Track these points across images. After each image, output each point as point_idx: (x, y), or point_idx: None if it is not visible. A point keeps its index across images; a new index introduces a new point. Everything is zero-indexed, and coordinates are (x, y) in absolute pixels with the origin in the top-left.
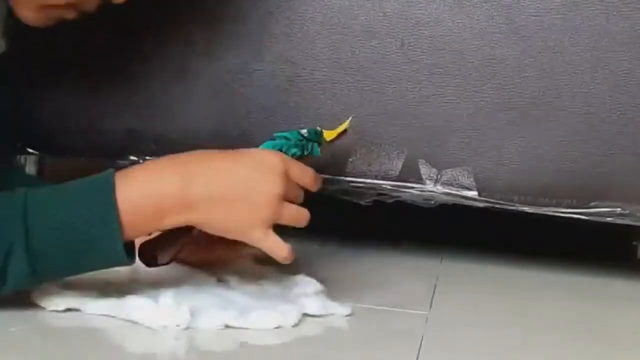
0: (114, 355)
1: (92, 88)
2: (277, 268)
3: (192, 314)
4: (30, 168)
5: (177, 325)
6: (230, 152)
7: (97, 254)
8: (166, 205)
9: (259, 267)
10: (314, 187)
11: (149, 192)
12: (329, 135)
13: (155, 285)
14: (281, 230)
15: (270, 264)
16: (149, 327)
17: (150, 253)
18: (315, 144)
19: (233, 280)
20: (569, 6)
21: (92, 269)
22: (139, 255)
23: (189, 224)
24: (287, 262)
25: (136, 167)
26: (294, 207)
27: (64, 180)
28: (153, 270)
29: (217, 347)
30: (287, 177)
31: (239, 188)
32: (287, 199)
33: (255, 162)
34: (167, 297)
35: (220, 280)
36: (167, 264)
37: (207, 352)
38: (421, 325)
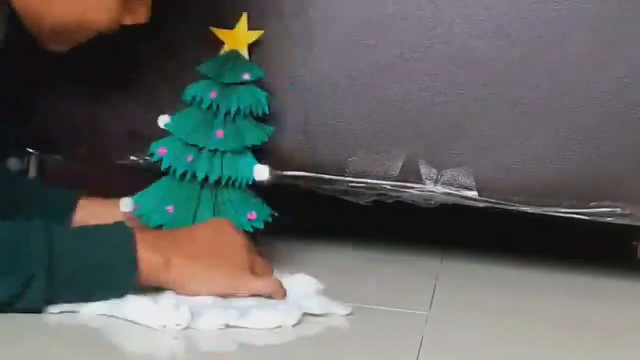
0: (114, 355)
1: (93, 88)
2: (275, 268)
3: (192, 314)
4: (31, 168)
5: (177, 325)
6: (186, 227)
7: (108, 292)
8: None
9: None
10: None
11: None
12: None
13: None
14: (276, 224)
15: (268, 263)
16: (148, 327)
17: None
18: (266, 103)
19: None
20: (569, 6)
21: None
22: None
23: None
24: (280, 295)
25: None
26: (260, 258)
27: (64, 180)
28: None
29: (216, 347)
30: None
31: (206, 249)
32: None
33: (212, 226)
34: (167, 298)
35: None
36: None
37: (207, 353)
38: (421, 325)
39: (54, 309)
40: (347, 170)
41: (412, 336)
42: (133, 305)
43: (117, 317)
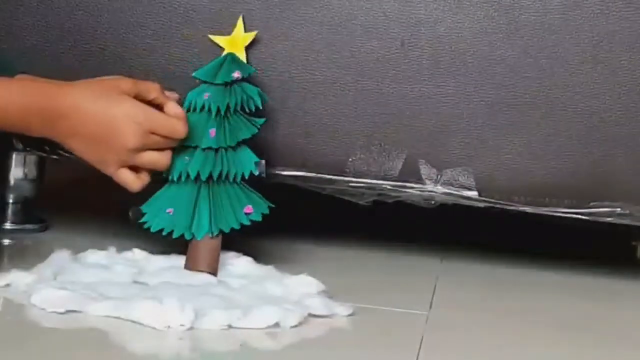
0: (119, 356)
1: None
2: (278, 268)
3: (196, 314)
4: (31, 168)
5: (182, 325)
6: (106, 98)
7: None
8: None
9: (260, 268)
10: (178, 131)
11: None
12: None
13: (158, 287)
14: (274, 224)
15: (271, 264)
16: (153, 328)
17: None
18: (258, 98)
19: (234, 281)
20: (569, 6)
21: None
22: None
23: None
24: (137, 190)
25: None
26: (152, 154)
27: (64, 180)
28: (155, 271)
29: (220, 347)
30: (147, 130)
31: (99, 132)
32: (145, 148)
33: (121, 116)
34: (171, 298)
35: (221, 281)
36: None
37: (211, 353)
38: (421, 325)
39: (60, 308)
40: (347, 170)
41: (412, 336)
42: (138, 306)
43: (122, 318)
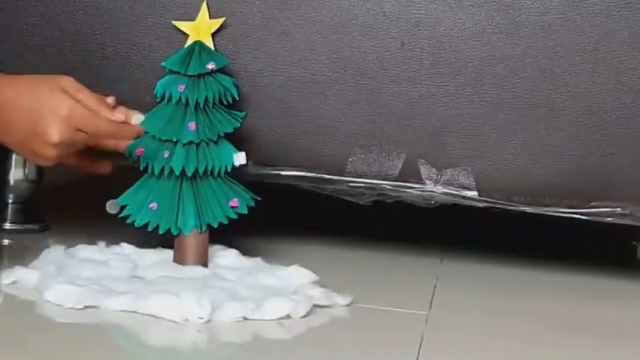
0: (138, 349)
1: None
2: (265, 259)
3: (212, 306)
4: (30, 169)
5: (200, 318)
6: (35, 92)
7: None
8: None
9: (248, 260)
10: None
11: None
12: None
13: (159, 281)
14: (274, 224)
15: (258, 256)
16: (170, 321)
17: None
18: (234, 89)
19: (228, 273)
20: (569, 6)
21: None
22: None
23: None
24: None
25: None
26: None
27: (64, 180)
28: (149, 265)
29: (234, 338)
30: (72, 125)
31: (27, 126)
32: (72, 143)
33: (47, 109)
34: (188, 292)
35: (215, 273)
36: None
37: (227, 344)
38: (421, 325)
39: (77, 304)
40: (347, 170)
41: (412, 336)
42: (155, 300)
43: (138, 313)
